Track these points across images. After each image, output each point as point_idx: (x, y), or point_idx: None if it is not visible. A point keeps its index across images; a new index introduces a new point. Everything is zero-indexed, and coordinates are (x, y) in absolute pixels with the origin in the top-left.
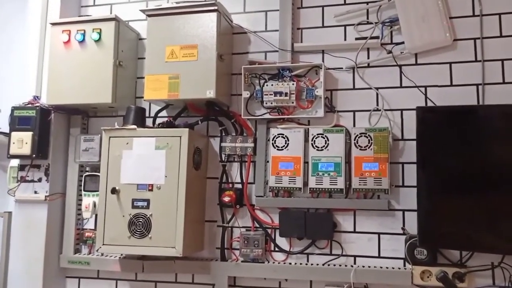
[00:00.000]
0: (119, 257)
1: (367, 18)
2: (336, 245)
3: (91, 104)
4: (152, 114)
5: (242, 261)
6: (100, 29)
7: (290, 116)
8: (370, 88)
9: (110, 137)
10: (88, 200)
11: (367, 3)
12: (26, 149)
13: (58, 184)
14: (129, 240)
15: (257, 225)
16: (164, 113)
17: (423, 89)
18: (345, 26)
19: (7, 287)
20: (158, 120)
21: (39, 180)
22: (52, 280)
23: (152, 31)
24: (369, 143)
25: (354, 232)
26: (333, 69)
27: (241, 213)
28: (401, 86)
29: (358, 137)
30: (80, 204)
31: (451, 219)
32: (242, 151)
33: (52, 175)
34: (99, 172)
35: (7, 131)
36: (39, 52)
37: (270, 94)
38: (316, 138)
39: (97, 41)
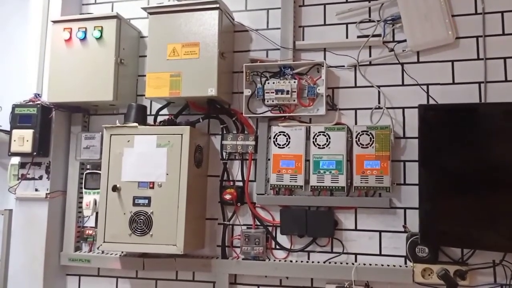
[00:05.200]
0: (120, 255)
1: (369, 16)
2: (337, 243)
3: (92, 102)
4: (153, 112)
5: (243, 259)
6: (102, 27)
7: (291, 114)
8: (372, 86)
9: (111, 134)
10: (88, 197)
11: (369, 1)
12: (27, 147)
13: (59, 182)
14: (130, 237)
15: (258, 223)
16: (165, 111)
17: (425, 87)
18: (347, 24)
19: (8, 285)
20: (159, 118)
21: (40, 177)
22: (53, 278)
23: (154, 29)
24: (370, 141)
25: (355, 230)
26: (335, 67)
27: (242, 211)
28: (403, 84)
29: (360, 135)
30: (81, 202)
31: (452, 217)
32: (243, 149)
33: (53, 172)
34: (100, 170)
35: (8, 128)
36: (40, 49)
37: (272, 92)
38: (317, 136)
39: (99, 39)
